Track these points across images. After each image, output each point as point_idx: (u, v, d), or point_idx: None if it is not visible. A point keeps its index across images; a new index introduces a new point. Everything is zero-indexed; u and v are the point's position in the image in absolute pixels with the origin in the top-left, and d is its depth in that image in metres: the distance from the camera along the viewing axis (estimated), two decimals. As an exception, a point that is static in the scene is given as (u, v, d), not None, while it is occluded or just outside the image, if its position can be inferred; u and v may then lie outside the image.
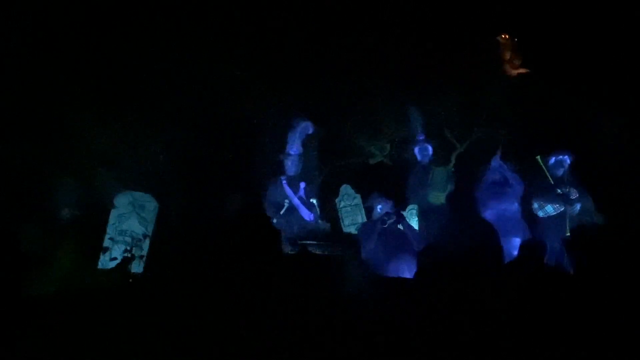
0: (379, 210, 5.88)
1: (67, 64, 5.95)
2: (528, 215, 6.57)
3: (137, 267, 5.00)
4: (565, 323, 3.50)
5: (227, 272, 4.22)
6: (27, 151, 5.51)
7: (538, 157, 6.41)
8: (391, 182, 8.17)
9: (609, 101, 6.73)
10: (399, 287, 5.02)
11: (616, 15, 6.75)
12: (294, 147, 6.84)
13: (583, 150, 6.67)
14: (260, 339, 3.48)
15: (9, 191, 5.30)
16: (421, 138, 7.18)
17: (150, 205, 5.45)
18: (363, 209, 8.32)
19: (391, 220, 5.61)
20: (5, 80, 5.58)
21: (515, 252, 6.49)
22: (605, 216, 6.60)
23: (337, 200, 8.56)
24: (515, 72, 6.43)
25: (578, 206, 6.32)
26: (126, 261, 4.81)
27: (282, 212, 6.68)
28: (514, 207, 6.53)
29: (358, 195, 8.52)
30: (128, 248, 5.03)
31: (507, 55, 6.41)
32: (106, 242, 5.27)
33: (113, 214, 5.36)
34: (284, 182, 6.76)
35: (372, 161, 9.32)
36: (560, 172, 6.49)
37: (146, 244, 5.17)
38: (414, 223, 7.54)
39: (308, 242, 6.22)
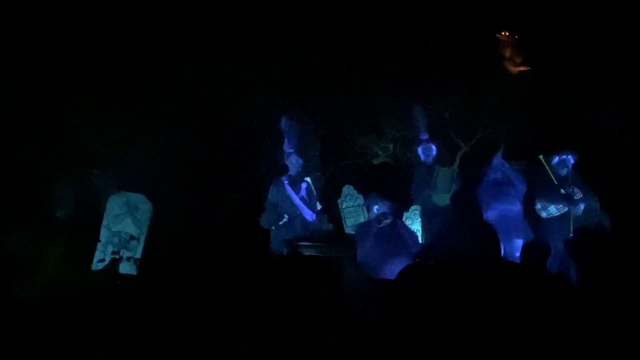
0: (375, 210, 5.79)
1: (61, 65, 5.93)
2: (531, 216, 6.44)
3: (128, 269, 4.94)
4: (567, 327, 3.46)
5: (222, 273, 4.18)
6: (22, 152, 5.50)
7: (541, 156, 6.27)
8: (394, 183, 8.12)
9: (613, 100, 6.61)
10: (394, 289, 4.90)
11: (619, 14, 6.63)
12: (288, 145, 6.76)
13: (587, 149, 6.55)
14: (254, 341, 3.45)
15: (1, 192, 5.29)
16: (425, 138, 7.06)
17: (145, 206, 5.40)
18: (366, 210, 8.25)
19: (387, 221, 5.52)
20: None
21: (518, 254, 6.41)
22: (611, 217, 6.48)
23: (339, 201, 8.49)
24: (516, 69, 6.32)
25: (582, 206, 6.19)
26: (114, 263, 4.76)
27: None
28: (516, 207, 6.41)
29: (360, 196, 8.43)
30: (116, 250, 4.98)
31: (508, 53, 6.30)
32: (100, 244, 5.23)
33: (107, 215, 5.32)
34: (286, 182, 6.69)
35: (375, 161, 9.28)
36: (563, 171, 6.36)
37: (139, 245, 5.11)
38: (417, 224, 7.45)
39: (305, 243, 6.14)
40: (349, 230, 7.46)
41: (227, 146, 7.28)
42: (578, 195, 6.17)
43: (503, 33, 6.31)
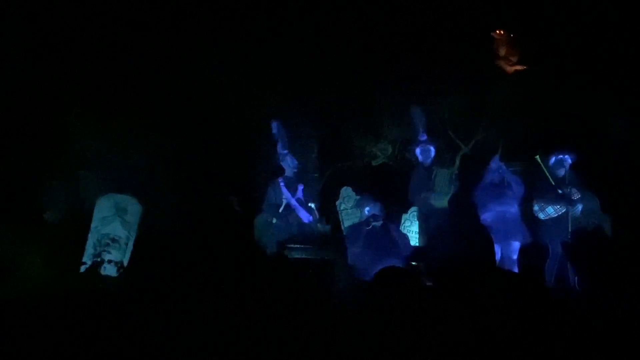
0: (366, 212, 5.71)
1: (49, 65, 5.90)
2: (529, 217, 6.33)
3: (109, 271, 4.89)
4: (565, 331, 3.30)
5: (216, 275, 4.17)
6: (9, 153, 5.47)
7: (537, 156, 6.16)
8: (394, 184, 8.02)
9: (611, 98, 6.49)
10: (384, 292, 4.83)
11: (614, 13, 6.53)
12: (282, 146, 6.70)
13: (588, 149, 6.43)
14: (242, 343, 3.38)
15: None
16: (423, 139, 6.96)
17: (134, 208, 5.35)
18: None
19: (376, 223, 5.44)
20: None
21: (515, 256, 6.31)
22: (612, 218, 6.39)
23: (337, 202, 8.42)
24: (511, 69, 6.22)
25: (580, 207, 6.08)
26: (96, 265, 4.72)
27: (281, 210, 6.53)
28: (513, 209, 6.32)
29: (359, 197, 8.37)
30: (97, 252, 4.93)
31: (503, 52, 6.20)
32: (92, 246, 5.18)
33: (95, 217, 5.27)
34: (282, 183, 6.62)
35: (374, 163, 9.17)
36: (561, 172, 6.25)
37: (120, 248, 5.05)
38: (416, 226, 7.35)
39: (301, 245, 6.08)
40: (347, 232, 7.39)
41: (222, 147, 7.21)
42: (576, 195, 6.06)
43: (498, 32, 6.22)
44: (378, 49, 8.47)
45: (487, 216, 6.31)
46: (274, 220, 6.48)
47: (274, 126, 6.85)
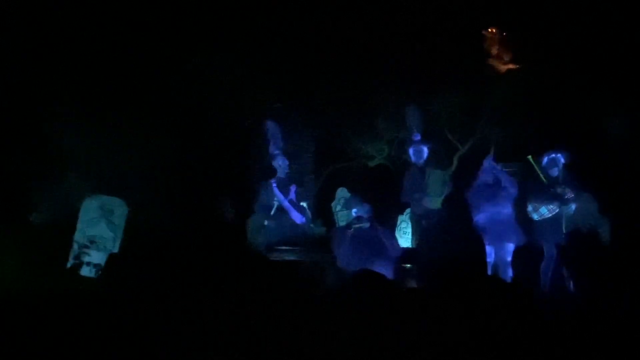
0: (354, 213, 5.63)
1: (36, 67, 5.87)
2: (523, 219, 6.23)
3: (87, 273, 4.84)
4: (559, 334, 3.24)
5: (207, 276, 4.11)
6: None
7: (529, 157, 6.06)
8: (391, 185, 7.95)
9: (606, 97, 6.40)
10: (371, 295, 4.77)
11: (605, 14, 6.46)
12: (274, 146, 6.62)
13: (583, 149, 6.34)
14: (230, 346, 3.36)
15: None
16: (417, 139, 6.84)
17: (120, 209, 5.30)
18: (361, 212, 8.10)
19: (361, 225, 5.37)
20: None
21: (509, 258, 6.20)
22: (609, 218, 6.29)
23: (333, 204, 8.37)
24: (504, 67, 6.14)
25: (573, 206, 5.99)
26: (76, 267, 4.68)
27: (272, 213, 6.46)
28: (507, 210, 6.20)
29: (347, 199, 8.30)
30: (76, 254, 4.88)
31: (495, 50, 6.11)
32: (74, 248, 5.14)
33: (81, 219, 5.22)
34: (274, 184, 6.54)
35: (371, 164, 9.12)
36: (554, 171, 6.14)
37: (100, 249, 5.00)
38: (409, 228, 7.27)
39: (293, 247, 6.01)
40: (342, 233, 7.30)
41: (213, 147, 7.15)
42: (569, 194, 5.96)
43: (490, 30, 6.13)
44: (375, 49, 8.43)
45: (480, 217, 6.20)
46: (266, 222, 6.42)
47: (267, 126, 6.78)
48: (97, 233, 5.20)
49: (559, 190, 5.97)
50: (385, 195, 7.53)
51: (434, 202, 6.44)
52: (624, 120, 6.40)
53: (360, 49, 8.46)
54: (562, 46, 6.82)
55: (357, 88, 8.49)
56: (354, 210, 5.66)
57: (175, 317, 3.57)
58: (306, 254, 5.95)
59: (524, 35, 6.99)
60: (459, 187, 6.84)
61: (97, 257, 4.91)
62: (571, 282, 5.67)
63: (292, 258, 5.94)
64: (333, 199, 8.30)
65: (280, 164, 6.58)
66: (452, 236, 4.87)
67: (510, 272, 6.17)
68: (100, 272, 4.75)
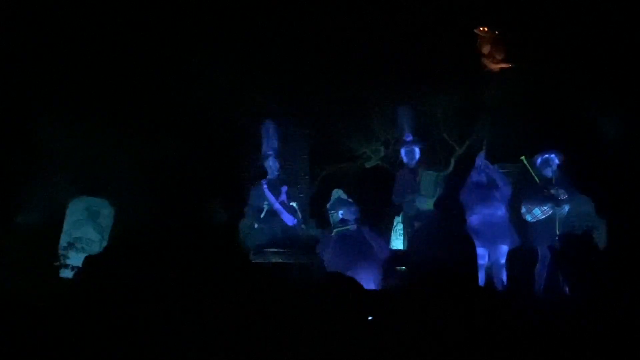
0: (340, 215, 5.55)
1: (22, 66, 5.84)
2: (517, 220, 6.14)
3: (66, 275, 4.81)
4: (552, 338, 3.25)
5: (197, 278, 4.09)
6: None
7: (523, 157, 5.97)
8: (387, 186, 7.86)
9: (602, 97, 6.31)
10: (359, 298, 4.72)
11: (601, 13, 6.38)
12: (266, 147, 6.56)
13: (579, 149, 6.25)
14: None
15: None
16: (408, 139, 6.75)
17: (106, 211, 5.27)
18: (357, 214, 8.02)
19: (345, 228, 5.30)
20: None
21: (503, 260, 6.12)
22: (607, 220, 6.22)
23: (328, 205, 8.27)
24: (496, 66, 6.06)
25: (567, 208, 5.90)
26: (58, 268, 4.65)
27: (262, 216, 6.39)
28: (500, 211, 6.11)
29: (333, 201, 8.23)
30: (61, 256, 4.85)
31: (487, 49, 6.03)
32: (61, 250, 5.11)
33: (67, 220, 5.20)
34: (265, 186, 6.48)
35: (368, 165, 9.05)
36: (548, 172, 6.04)
37: (79, 252, 4.96)
38: (400, 230, 7.19)
39: (277, 250, 5.95)
40: (336, 235, 7.23)
41: (204, 148, 7.10)
42: (563, 196, 5.86)
43: (481, 29, 6.05)
44: (371, 49, 8.38)
45: (473, 219, 6.12)
46: (256, 225, 6.36)
47: (260, 127, 6.72)
48: (83, 235, 5.18)
49: (552, 191, 5.88)
50: (382, 197, 7.45)
51: (425, 203, 6.35)
52: (619, 121, 6.32)
53: (357, 49, 8.40)
54: (558, 46, 6.76)
55: (353, 88, 8.44)
56: (340, 212, 5.58)
57: (164, 319, 3.54)
58: (297, 256, 5.89)
59: (520, 35, 6.93)
60: (456, 188, 6.78)
61: (75, 259, 4.88)
62: (566, 285, 5.60)
63: (282, 260, 5.89)
64: (328, 200, 8.24)
65: (271, 165, 6.51)
66: (443, 238, 4.81)
67: (504, 275, 6.09)
68: (78, 274, 4.71)
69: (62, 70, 6.07)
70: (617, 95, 6.42)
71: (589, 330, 3.32)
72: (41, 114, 5.77)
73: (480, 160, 6.19)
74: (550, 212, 5.90)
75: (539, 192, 5.92)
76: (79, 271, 4.35)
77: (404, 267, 5.67)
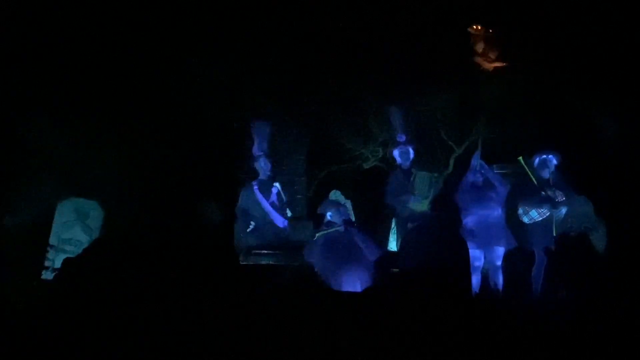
0: (329, 217, 5.49)
1: (9, 66, 5.82)
2: (514, 221, 6.05)
3: (48, 276, 4.79)
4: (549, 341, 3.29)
5: (187, 281, 4.08)
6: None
7: (520, 157, 5.87)
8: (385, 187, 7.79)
9: (598, 97, 6.22)
10: (348, 301, 4.68)
11: (599, 14, 6.29)
12: (257, 147, 6.51)
13: (576, 149, 6.16)
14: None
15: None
16: (402, 140, 6.67)
17: (95, 213, 5.24)
18: (353, 215, 7.96)
19: (331, 230, 5.24)
20: None
21: (499, 262, 6.03)
22: (606, 222, 6.12)
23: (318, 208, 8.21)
24: (490, 66, 5.97)
25: (564, 210, 5.80)
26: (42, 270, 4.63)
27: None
28: (496, 212, 6.01)
29: (348, 201, 8.18)
30: (49, 257, 4.84)
31: (480, 48, 5.94)
32: (49, 252, 5.09)
33: (56, 222, 5.18)
34: (256, 187, 6.42)
35: (366, 165, 9.00)
36: (545, 173, 5.94)
37: (57, 254, 4.94)
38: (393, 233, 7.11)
39: (267, 251, 5.90)
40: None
41: (204, 149, 7.06)
42: (560, 198, 5.76)
43: (474, 27, 5.97)
44: (369, 49, 8.33)
45: (469, 220, 6.01)
46: (252, 225, 6.31)
47: (253, 127, 6.66)
48: (72, 236, 5.17)
49: (549, 193, 5.78)
50: (381, 198, 7.37)
51: (419, 205, 6.27)
52: (617, 121, 6.23)
53: (356, 50, 8.35)
54: (556, 46, 6.67)
55: (352, 89, 8.39)
56: (329, 214, 5.52)
57: (154, 321, 3.51)
58: (288, 258, 5.84)
59: (518, 35, 6.84)
60: (455, 189, 6.70)
61: (56, 261, 4.86)
62: (562, 288, 5.51)
63: (273, 262, 5.84)
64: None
65: (262, 165, 6.45)
66: (435, 240, 4.75)
67: (500, 277, 6.00)
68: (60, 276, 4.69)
69: (51, 71, 6.05)
70: (615, 95, 6.33)
71: (586, 333, 3.31)
72: (30, 114, 5.74)
73: (476, 160, 6.10)
74: (547, 215, 5.81)
75: (536, 193, 5.82)
76: (59, 273, 4.33)
77: (397, 269, 5.62)
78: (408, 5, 8.18)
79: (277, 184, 6.47)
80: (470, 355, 3.28)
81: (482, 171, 6.08)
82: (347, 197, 8.25)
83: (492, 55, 5.74)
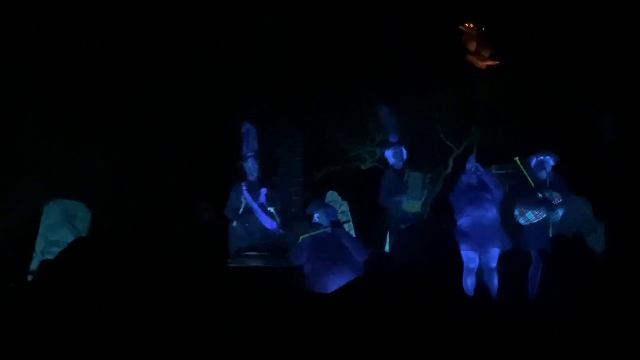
0: (316, 218, 5.40)
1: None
2: (510, 223, 5.95)
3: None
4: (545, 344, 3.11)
5: (174, 283, 4.01)
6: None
7: (516, 158, 5.77)
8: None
9: (596, 98, 6.11)
10: (336, 302, 4.60)
11: (596, 14, 6.19)
12: (246, 148, 6.43)
13: (572, 150, 6.05)
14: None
15: None
16: (394, 140, 6.60)
17: (83, 214, 5.19)
18: (350, 216, 7.89)
19: (318, 232, 5.16)
20: None
21: (494, 264, 5.93)
22: (606, 224, 6.04)
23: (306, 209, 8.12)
24: (483, 64, 5.87)
25: (560, 212, 5.72)
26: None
27: (240, 213, 6.22)
28: (491, 213, 5.93)
29: (345, 202, 8.11)
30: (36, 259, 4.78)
31: (473, 46, 5.84)
32: (35, 253, 5.05)
33: (43, 224, 5.13)
34: (244, 188, 6.34)
35: (364, 166, 8.91)
36: (542, 174, 5.83)
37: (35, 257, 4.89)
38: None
39: (255, 253, 5.83)
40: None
41: (186, 151, 6.99)
42: (557, 200, 5.67)
43: (467, 25, 5.87)
44: (366, 49, 8.26)
45: (463, 221, 5.95)
46: (234, 223, 6.23)
47: (243, 127, 6.59)
48: (60, 238, 5.11)
49: (546, 194, 5.68)
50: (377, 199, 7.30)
51: (412, 206, 6.18)
52: (615, 122, 6.12)
53: (352, 50, 8.28)
54: (554, 47, 6.57)
55: (349, 89, 8.32)
56: (316, 215, 5.43)
57: (142, 323, 3.45)
58: (276, 260, 5.76)
59: (516, 36, 6.75)
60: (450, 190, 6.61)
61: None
62: (559, 290, 5.41)
63: (262, 264, 5.77)
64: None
65: (251, 166, 6.36)
66: (427, 241, 4.66)
67: (495, 279, 5.92)
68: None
69: (38, 73, 6.00)
70: (613, 95, 6.22)
71: (582, 336, 3.20)
72: (17, 116, 5.70)
73: (471, 163, 6.02)
74: (543, 216, 5.72)
75: (533, 195, 5.73)
76: (37, 276, 4.29)
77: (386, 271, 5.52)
78: (407, 5, 8.11)
79: (264, 189, 6.36)
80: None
81: (478, 173, 6.01)
82: (344, 198, 8.18)
83: (485, 54, 5.64)
